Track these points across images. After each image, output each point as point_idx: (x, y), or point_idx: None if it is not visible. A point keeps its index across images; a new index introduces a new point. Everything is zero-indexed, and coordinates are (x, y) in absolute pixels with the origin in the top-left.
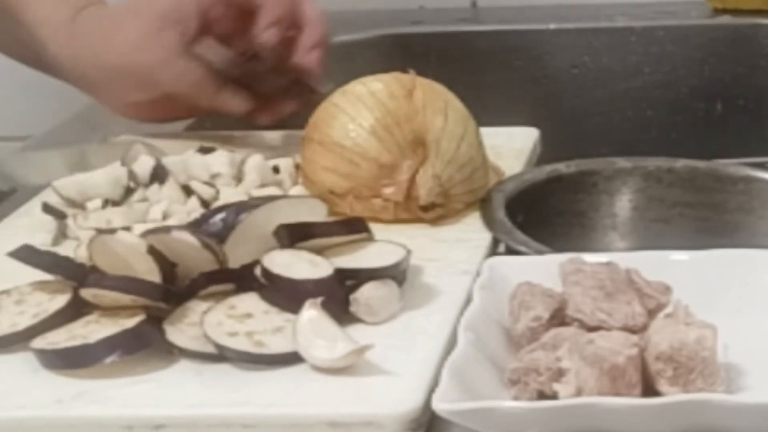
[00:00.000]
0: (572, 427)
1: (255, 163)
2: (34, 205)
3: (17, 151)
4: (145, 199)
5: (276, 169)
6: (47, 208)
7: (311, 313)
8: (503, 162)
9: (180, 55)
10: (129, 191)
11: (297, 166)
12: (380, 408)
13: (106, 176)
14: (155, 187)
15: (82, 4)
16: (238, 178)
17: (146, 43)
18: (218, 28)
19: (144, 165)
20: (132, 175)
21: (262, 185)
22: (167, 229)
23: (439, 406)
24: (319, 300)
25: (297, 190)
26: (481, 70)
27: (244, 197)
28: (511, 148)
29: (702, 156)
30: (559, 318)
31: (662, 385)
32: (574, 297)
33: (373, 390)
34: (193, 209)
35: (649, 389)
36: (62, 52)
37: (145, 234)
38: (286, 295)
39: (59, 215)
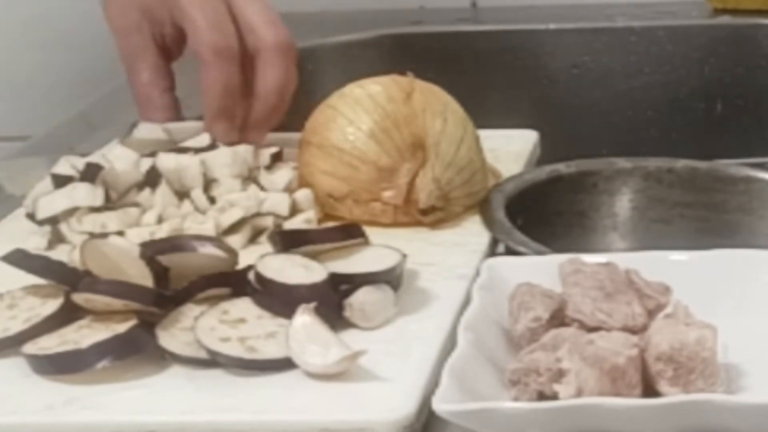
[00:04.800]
0: (573, 427)
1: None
2: None
3: (9, 158)
4: (136, 204)
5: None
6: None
7: (304, 318)
8: (501, 165)
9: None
10: (112, 197)
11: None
12: (373, 414)
13: (85, 191)
14: (147, 192)
15: None
16: (241, 176)
17: (124, 34)
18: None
19: (123, 177)
20: (108, 191)
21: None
22: (191, 247)
23: (440, 406)
24: (312, 305)
25: (300, 193)
26: (481, 71)
27: (247, 202)
28: (510, 150)
29: (702, 156)
30: (558, 318)
31: (662, 386)
32: (573, 297)
33: (366, 396)
34: (187, 212)
35: (650, 390)
36: None
37: (167, 253)
38: (280, 300)
39: (53, 219)
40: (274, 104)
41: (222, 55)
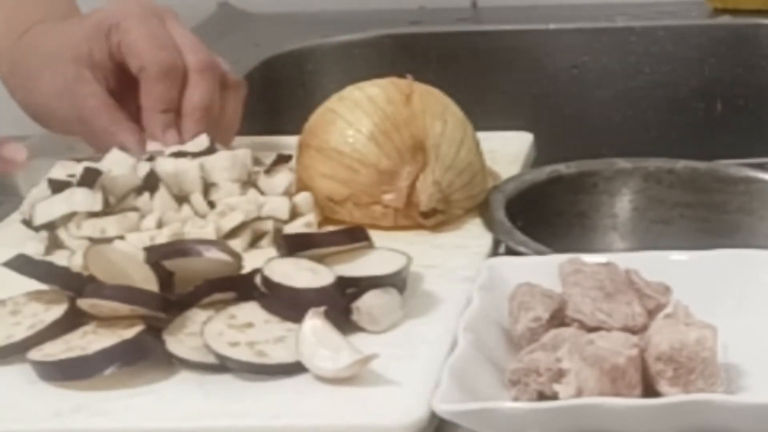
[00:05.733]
0: (573, 427)
1: (305, 198)
2: None
3: None
4: (135, 209)
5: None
6: None
7: (314, 322)
8: (499, 167)
9: (101, 106)
10: (110, 202)
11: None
12: (386, 418)
13: (84, 196)
14: (145, 196)
15: (27, 24)
16: (240, 180)
17: (66, 94)
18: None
19: (122, 181)
20: (106, 196)
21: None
22: (196, 251)
23: (440, 407)
24: (322, 309)
25: (300, 197)
26: (482, 71)
27: (247, 205)
28: (507, 152)
29: (702, 156)
30: (558, 318)
31: (662, 386)
32: (573, 297)
33: (378, 400)
34: (187, 217)
35: (650, 390)
36: (5, 81)
37: (172, 258)
38: (287, 304)
39: (50, 225)
40: (197, 120)
41: (167, 73)
